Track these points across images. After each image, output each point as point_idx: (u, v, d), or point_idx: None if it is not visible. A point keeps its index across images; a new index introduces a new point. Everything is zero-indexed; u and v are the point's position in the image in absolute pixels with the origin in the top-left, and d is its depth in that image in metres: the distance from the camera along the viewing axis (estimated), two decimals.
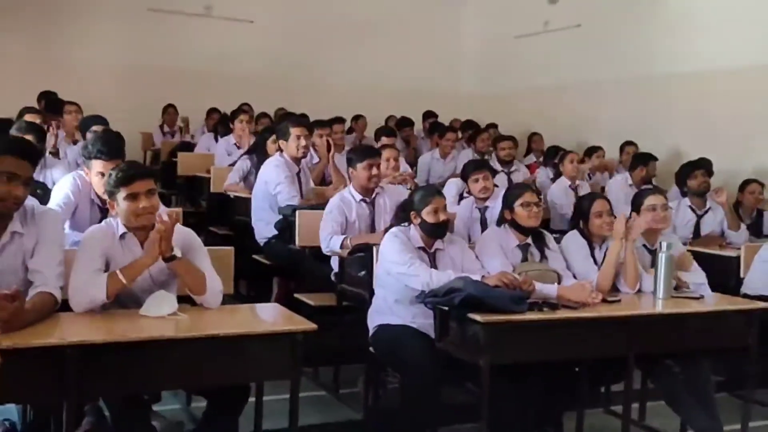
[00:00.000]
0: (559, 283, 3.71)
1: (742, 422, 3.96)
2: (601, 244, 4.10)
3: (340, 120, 7.17)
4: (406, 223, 3.75)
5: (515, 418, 3.51)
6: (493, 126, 9.15)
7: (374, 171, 4.65)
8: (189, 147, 7.98)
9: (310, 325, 2.87)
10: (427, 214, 3.66)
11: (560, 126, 9.10)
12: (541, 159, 8.09)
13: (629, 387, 3.66)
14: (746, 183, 6.20)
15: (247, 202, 5.48)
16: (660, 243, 3.90)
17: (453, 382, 3.80)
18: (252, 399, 3.15)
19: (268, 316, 3.29)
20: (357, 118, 8.89)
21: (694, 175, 5.86)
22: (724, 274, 4.97)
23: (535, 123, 9.34)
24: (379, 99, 9.52)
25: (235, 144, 6.90)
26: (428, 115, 9.58)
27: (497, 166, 7.11)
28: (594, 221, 4.05)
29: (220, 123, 7.78)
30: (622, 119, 8.49)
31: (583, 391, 3.95)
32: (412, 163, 7.77)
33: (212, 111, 8.49)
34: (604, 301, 3.64)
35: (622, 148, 7.78)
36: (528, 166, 7.98)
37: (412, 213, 3.71)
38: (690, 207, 5.85)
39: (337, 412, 4.32)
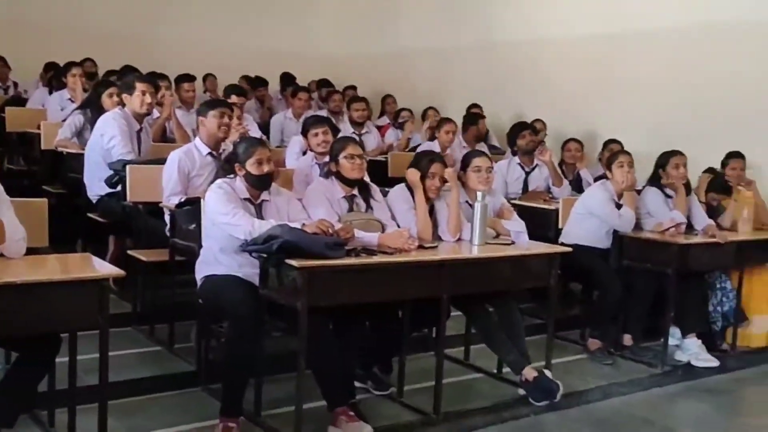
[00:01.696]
0: (383, 232, 3.88)
1: (546, 356, 4.34)
2: (435, 200, 4.30)
3: (189, 77, 7.06)
4: (232, 175, 3.79)
5: (339, 364, 3.65)
6: (352, 88, 9.26)
7: (225, 120, 4.61)
8: (21, 102, 7.59)
9: (117, 271, 2.88)
10: (251, 166, 3.72)
11: (413, 90, 9.33)
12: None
13: (442, 326, 3.91)
14: (567, 142, 6.62)
15: (80, 158, 5.34)
16: (477, 194, 4.15)
17: (280, 329, 3.92)
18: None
19: (76, 266, 3.26)
20: (207, 77, 8.74)
21: (522, 135, 6.22)
22: (546, 226, 5.34)
23: (391, 86, 9.52)
24: (235, 59, 9.38)
25: (69, 99, 6.65)
26: (285, 76, 9.57)
27: (349, 128, 7.24)
28: (427, 182, 4.23)
29: (54, 77, 7.43)
30: (471, 84, 8.81)
31: (408, 335, 4.18)
32: (266, 123, 7.77)
33: (49, 66, 8.09)
34: (421, 247, 3.85)
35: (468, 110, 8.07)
36: (379, 128, 8.15)
37: (236, 165, 3.76)
38: (519, 164, 6.21)
39: (172, 366, 4.36)
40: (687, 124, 6.71)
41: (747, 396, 5.02)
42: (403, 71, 9.78)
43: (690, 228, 5.21)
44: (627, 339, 5.22)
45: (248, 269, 3.68)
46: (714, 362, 5.02)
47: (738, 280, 5.36)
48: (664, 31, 6.97)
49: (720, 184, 5.76)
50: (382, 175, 6.16)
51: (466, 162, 4.47)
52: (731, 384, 4.99)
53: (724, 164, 5.87)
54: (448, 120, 6.95)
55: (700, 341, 5.07)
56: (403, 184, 4.32)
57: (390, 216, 4.14)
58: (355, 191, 4.11)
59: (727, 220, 5.53)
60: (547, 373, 4.20)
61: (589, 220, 5.09)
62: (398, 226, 4.06)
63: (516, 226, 4.41)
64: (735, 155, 5.89)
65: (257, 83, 8.98)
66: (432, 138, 6.99)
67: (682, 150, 5.31)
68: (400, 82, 9.61)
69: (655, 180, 5.33)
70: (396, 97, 9.13)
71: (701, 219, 5.31)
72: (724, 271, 5.38)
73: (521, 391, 4.21)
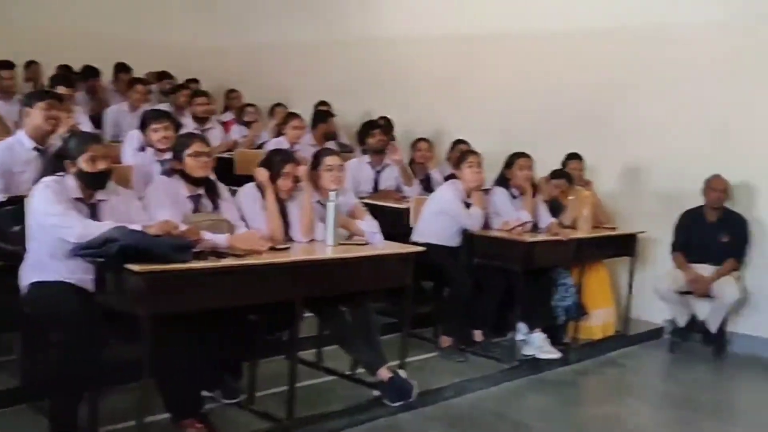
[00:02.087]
0: (231, 233, 3.70)
1: (400, 355, 4.33)
2: (287, 200, 4.16)
3: (8, 64, 6.46)
4: (62, 173, 3.48)
5: (186, 373, 3.45)
6: (194, 81, 8.89)
7: (53, 112, 4.21)
8: None
9: None
10: (84, 162, 3.44)
11: (261, 85, 9.10)
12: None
13: (296, 330, 3.80)
14: (417, 141, 6.69)
15: None
16: (329, 194, 4.07)
17: (119, 338, 3.65)
18: None
19: None
20: (30, 64, 8.06)
21: (372, 133, 6.21)
22: (398, 225, 5.34)
23: (237, 80, 9.24)
24: (63, 44, 8.68)
25: None
26: (119, 66, 9.01)
27: (191, 123, 6.94)
28: (279, 182, 4.09)
29: None
30: (324, 81, 8.70)
31: (261, 339, 4.03)
32: (98, 116, 7.28)
33: None
34: (273, 249, 3.72)
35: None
36: (223, 124, 7.89)
37: (67, 161, 3.46)
38: (369, 163, 6.19)
39: None
40: (533, 126, 6.95)
41: (587, 386, 5.28)
42: (251, 66, 9.50)
43: (535, 227, 5.39)
44: (478, 335, 5.34)
45: (81, 275, 3.40)
46: (557, 354, 5.22)
47: (578, 276, 5.62)
48: (514, 35, 7.19)
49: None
50: (227, 173, 5.92)
51: (317, 160, 4.37)
52: (573, 375, 5.24)
53: (564, 165, 6.14)
54: (295, 115, 6.81)
55: (545, 335, 5.25)
56: (252, 184, 4.16)
57: (239, 216, 3.98)
58: (201, 190, 3.90)
59: (567, 218, 5.79)
60: (402, 372, 4.19)
61: (439, 218, 5.15)
62: (247, 227, 3.91)
63: (370, 226, 4.37)
64: (574, 156, 6.19)
65: (87, 73, 8.40)
66: (278, 134, 6.83)
67: (528, 152, 5.48)
68: (246, 76, 9.33)
69: (502, 180, 5.48)
70: (243, 92, 8.86)
71: (545, 218, 5.50)
72: (566, 268, 5.62)
73: (376, 392, 4.18)
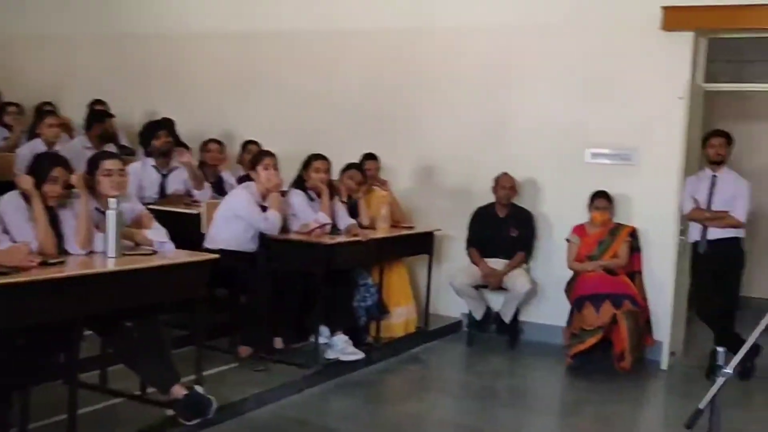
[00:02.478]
0: None
1: (195, 369, 4.15)
2: (58, 209, 3.82)
3: None
4: None
5: None
6: None
7: None
8: None
9: None
10: None
11: (26, 83, 8.31)
12: None
13: (75, 351, 3.50)
14: (207, 142, 6.40)
15: None
16: (108, 201, 3.79)
17: None
18: None
19: None
20: None
21: (157, 135, 5.91)
22: (189, 231, 5.11)
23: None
24: None
25: None
26: None
27: None
28: (46, 188, 3.75)
29: None
30: (96, 78, 8.12)
31: (33, 363, 3.66)
32: None
33: None
34: (44, 263, 3.39)
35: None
36: None
37: None
38: (154, 166, 5.88)
39: None
40: (329, 127, 6.95)
41: (392, 384, 5.38)
42: (12, 61, 8.65)
43: (334, 228, 5.39)
44: (278, 342, 5.22)
45: None
46: (360, 355, 5.24)
47: (378, 276, 5.68)
48: (305, 34, 7.13)
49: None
50: None
51: (93, 164, 4.04)
52: (377, 375, 5.30)
53: (360, 165, 6.18)
54: (50, 112, 6.28)
55: (346, 337, 5.25)
56: (16, 191, 3.77)
57: (2, 229, 3.60)
58: None
59: (364, 218, 5.84)
60: (198, 388, 3.98)
61: (234, 223, 4.99)
62: (13, 241, 3.54)
63: (158, 234, 4.12)
64: (369, 156, 6.26)
65: None
66: (34, 136, 6.26)
67: (325, 152, 5.46)
68: (7, 73, 8.48)
69: (299, 182, 5.42)
70: (2, 90, 8.01)
71: (344, 219, 5.51)
72: (366, 268, 5.66)
73: (170, 412, 3.94)
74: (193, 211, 5.38)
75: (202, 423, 3.91)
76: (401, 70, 6.81)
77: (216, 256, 4.26)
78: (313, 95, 7.14)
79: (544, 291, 6.28)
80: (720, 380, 1.99)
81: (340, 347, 5.20)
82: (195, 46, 7.72)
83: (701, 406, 1.96)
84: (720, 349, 2.09)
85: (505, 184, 6.16)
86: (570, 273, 5.89)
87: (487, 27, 6.45)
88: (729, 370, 1.98)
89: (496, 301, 6.23)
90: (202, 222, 5.19)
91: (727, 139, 5.58)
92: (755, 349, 5.46)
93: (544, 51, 6.28)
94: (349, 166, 5.88)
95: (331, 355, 5.20)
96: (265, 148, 5.71)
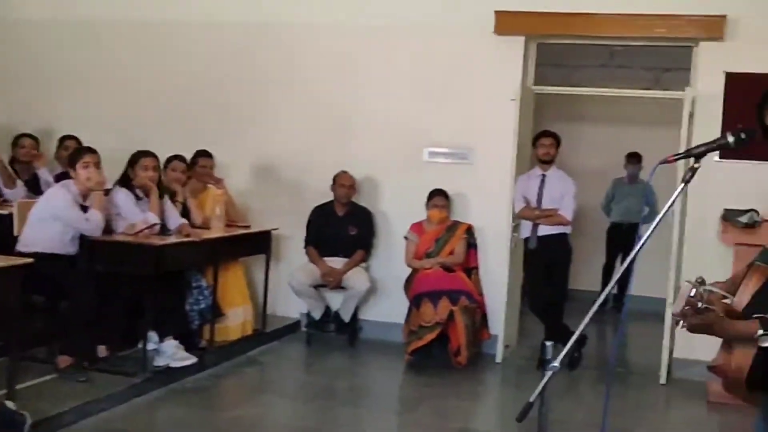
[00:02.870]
0: None
1: (7, 383, 3.89)
2: None
3: None
4: None
5: None
6: None
7: None
8: None
9: None
10: None
11: None
12: None
13: None
14: (18, 138, 6.06)
15: None
16: None
17: None
18: None
19: None
20: None
21: None
22: (1, 233, 4.75)
23: None
24: None
25: None
26: None
27: None
28: None
29: None
30: None
31: None
32: None
33: None
34: None
35: None
36: None
37: None
38: None
39: None
40: (159, 122, 6.70)
41: (227, 389, 5.26)
42: None
43: (164, 228, 5.18)
44: (102, 350, 4.94)
45: None
46: (192, 359, 5.06)
47: (213, 277, 5.52)
48: (133, 23, 6.81)
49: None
50: None
51: None
52: (209, 380, 5.16)
53: (193, 163, 6.00)
54: None
55: (177, 342, 5.06)
56: None
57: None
58: None
59: (197, 218, 5.68)
60: (10, 403, 3.70)
61: (51, 224, 4.65)
62: None
63: None
64: (203, 154, 6.07)
65: None
66: None
67: (154, 149, 5.25)
68: None
69: (124, 180, 5.17)
70: None
71: (175, 219, 5.31)
72: (199, 270, 5.50)
73: None
74: (4, 212, 5.01)
75: None
76: (238, 65, 6.69)
77: (29, 260, 3.99)
78: (141, 89, 6.85)
79: (383, 289, 6.36)
80: (548, 374, 2.04)
81: (171, 353, 5.01)
82: (10, 34, 7.18)
83: (531, 399, 2.01)
84: (548, 343, 2.17)
85: (344, 183, 6.18)
86: (408, 270, 6.00)
87: (327, 25, 6.47)
88: (556, 363, 2.04)
89: (336, 300, 6.24)
90: (14, 223, 4.83)
91: (556, 139, 5.89)
92: (582, 339, 5.82)
93: (384, 51, 6.37)
94: (172, 158, 5.68)
95: (160, 361, 5.00)
96: (87, 144, 5.40)
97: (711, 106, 5.59)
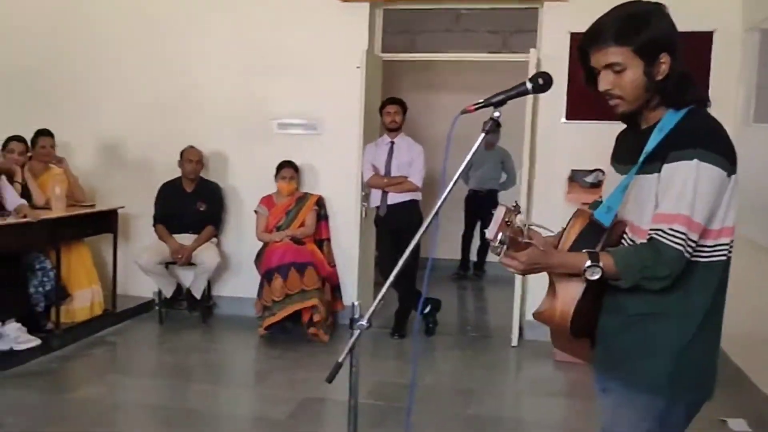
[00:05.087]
0: None
1: None
2: None
3: None
4: None
5: None
6: None
7: None
8: None
9: None
10: None
11: None
12: None
13: None
14: None
15: None
16: None
17: None
18: None
19: None
20: None
21: None
22: None
23: None
24: None
25: None
26: None
27: None
28: None
29: None
30: None
31: None
32: None
33: None
34: None
35: None
36: None
37: None
38: None
39: None
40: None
41: (73, 371, 5.45)
42: None
43: (2, 209, 5.34)
44: None
45: None
46: (35, 342, 5.30)
47: (56, 258, 5.72)
48: None
49: None
50: None
51: None
52: (56, 363, 5.38)
53: (33, 143, 6.13)
54: None
55: (19, 324, 5.26)
56: None
57: None
58: None
59: (38, 198, 5.84)
60: None
61: None
62: None
63: None
64: (43, 133, 6.21)
65: None
66: None
67: None
68: None
69: None
70: None
71: (14, 199, 5.47)
72: (41, 251, 5.68)
73: None
74: None
75: None
76: (73, 40, 6.82)
77: None
78: None
79: (235, 264, 6.70)
80: (356, 333, 2.20)
81: (13, 336, 5.22)
82: None
83: (340, 360, 2.16)
84: (355, 303, 2.36)
85: (191, 158, 6.44)
86: (260, 244, 6.31)
87: None
88: (364, 322, 2.20)
89: (187, 277, 6.53)
90: None
91: (402, 105, 6.22)
92: (437, 305, 6.31)
93: (225, 19, 6.59)
94: (10, 139, 5.83)
95: (2, 345, 5.20)
96: None
97: (557, 67, 5.73)
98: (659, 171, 2.02)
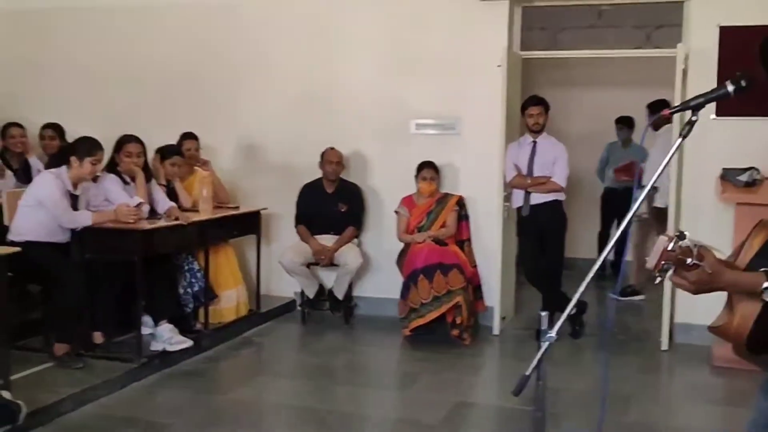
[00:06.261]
0: None
1: (2, 373, 4.02)
2: None
3: None
4: None
5: None
6: None
7: None
8: None
9: None
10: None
11: None
12: None
13: None
14: (6, 127, 6.16)
15: None
16: None
17: None
18: None
19: None
20: None
21: None
22: None
23: None
24: None
25: None
26: None
27: None
28: None
29: None
30: None
31: None
32: None
33: None
34: None
35: None
36: None
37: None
38: None
39: None
40: (140, 107, 6.84)
41: (223, 371, 5.40)
42: None
43: (153, 213, 5.32)
44: (98, 337, 5.13)
45: None
46: (188, 343, 5.24)
47: (204, 259, 5.68)
48: (97, 9, 6.96)
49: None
50: None
51: None
52: (206, 363, 5.32)
53: (179, 145, 6.10)
54: None
55: (172, 326, 5.23)
56: None
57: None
58: None
59: (185, 201, 5.82)
60: (6, 393, 3.85)
61: (37, 211, 4.79)
62: None
63: None
64: (188, 136, 6.21)
65: None
66: None
67: (139, 134, 5.37)
68: None
69: (111, 166, 5.30)
70: None
71: (163, 202, 5.45)
72: (190, 252, 5.65)
73: None
74: None
75: (12, 430, 3.78)
76: (215, 44, 6.80)
77: (16, 249, 4.12)
78: (118, 74, 6.98)
79: (376, 265, 6.53)
80: (544, 345, 2.04)
81: (166, 337, 5.18)
82: None
83: (527, 372, 2.02)
84: (543, 313, 2.20)
85: (331, 159, 6.30)
86: (401, 245, 6.14)
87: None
88: (553, 334, 2.04)
89: (329, 277, 6.41)
90: (3, 213, 4.96)
91: (544, 106, 5.94)
92: (582, 307, 5.97)
93: (361, 20, 6.45)
94: (169, 152, 5.82)
95: (156, 346, 5.17)
96: (76, 133, 5.49)
97: (705, 62, 5.61)
98: None
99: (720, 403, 4.83)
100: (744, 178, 5.43)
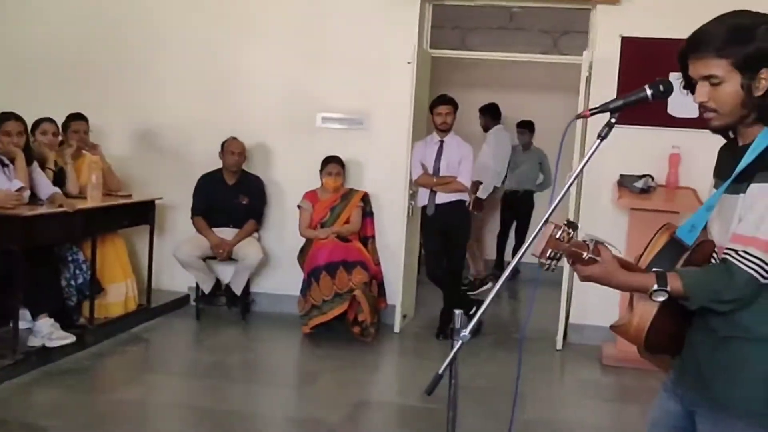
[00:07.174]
0: None
1: None
2: None
3: None
4: None
5: None
6: None
7: None
8: None
9: None
10: None
11: None
12: None
13: None
14: None
15: None
16: None
17: None
18: None
19: None
20: None
21: None
22: None
23: None
24: None
25: None
26: None
27: None
28: None
29: None
30: None
31: None
32: None
33: None
34: None
35: None
36: None
37: None
38: None
39: None
40: (24, 85, 6.28)
41: (109, 369, 5.02)
42: None
43: (34, 198, 4.85)
44: None
45: None
46: (69, 339, 4.81)
47: (91, 250, 5.22)
48: None
49: None
50: None
51: None
52: (90, 360, 4.91)
53: (65, 127, 5.62)
54: None
55: (52, 320, 4.77)
56: None
57: None
58: None
59: (73, 187, 5.35)
60: None
61: None
62: None
63: None
64: (76, 117, 5.70)
65: None
66: None
67: (22, 113, 4.91)
68: None
69: None
70: None
71: (47, 188, 4.99)
72: (75, 242, 5.20)
73: None
74: None
75: None
76: (108, 21, 6.32)
77: None
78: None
79: (276, 260, 6.23)
80: (457, 344, 1.97)
81: (46, 332, 4.72)
82: None
83: (440, 371, 1.95)
84: (457, 311, 2.12)
85: (233, 150, 5.96)
86: (302, 240, 5.88)
87: None
88: (466, 333, 1.98)
89: (226, 272, 6.05)
90: None
91: (453, 105, 5.84)
92: (480, 304, 5.84)
93: (272, 10, 6.15)
94: (40, 121, 5.33)
95: (35, 341, 4.72)
96: None
97: (608, 70, 5.65)
98: (745, 191, 1.87)
99: (609, 400, 4.87)
100: (639, 184, 5.50)
